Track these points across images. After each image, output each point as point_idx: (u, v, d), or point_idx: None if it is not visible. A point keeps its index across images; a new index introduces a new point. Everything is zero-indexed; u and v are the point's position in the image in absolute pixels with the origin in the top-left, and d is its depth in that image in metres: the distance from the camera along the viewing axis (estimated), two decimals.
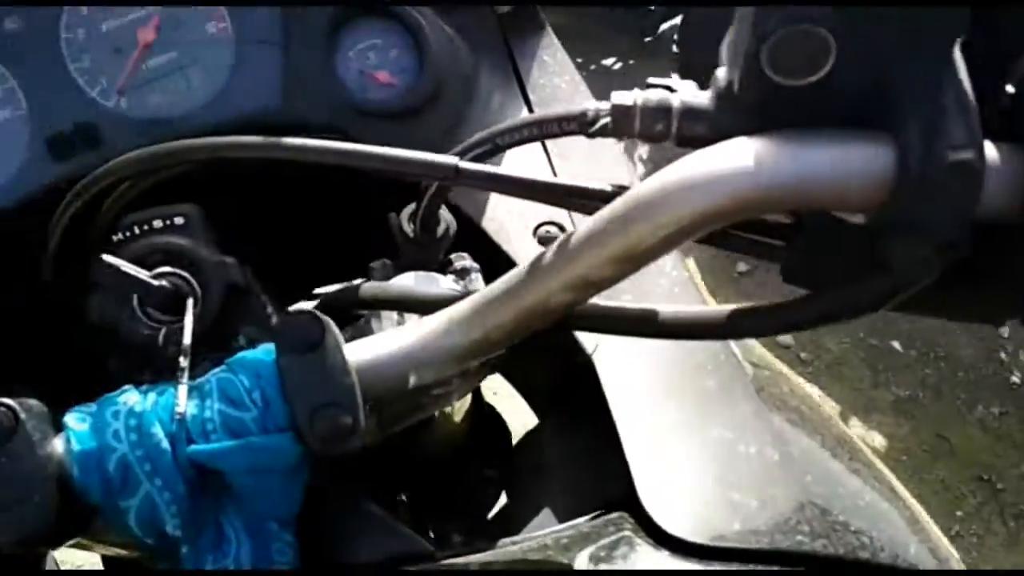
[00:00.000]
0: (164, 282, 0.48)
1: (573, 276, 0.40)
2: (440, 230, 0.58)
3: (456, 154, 0.48)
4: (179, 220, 0.54)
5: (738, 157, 0.36)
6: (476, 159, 0.48)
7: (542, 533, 0.53)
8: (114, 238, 0.53)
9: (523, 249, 0.66)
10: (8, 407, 0.41)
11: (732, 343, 0.62)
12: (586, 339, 0.59)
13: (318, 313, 0.45)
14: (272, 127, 0.66)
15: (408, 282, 0.55)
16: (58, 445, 0.43)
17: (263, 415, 0.44)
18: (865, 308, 0.39)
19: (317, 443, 0.43)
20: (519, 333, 0.45)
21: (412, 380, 0.47)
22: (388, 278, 0.59)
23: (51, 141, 0.62)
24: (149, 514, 0.43)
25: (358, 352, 0.45)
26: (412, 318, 0.54)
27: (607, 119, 0.42)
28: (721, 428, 0.56)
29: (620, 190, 0.45)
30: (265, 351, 0.46)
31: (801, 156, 0.36)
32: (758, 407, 0.58)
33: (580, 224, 0.40)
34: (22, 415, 0.42)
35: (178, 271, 0.48)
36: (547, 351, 0.61)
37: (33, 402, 0.43)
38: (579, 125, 0.45)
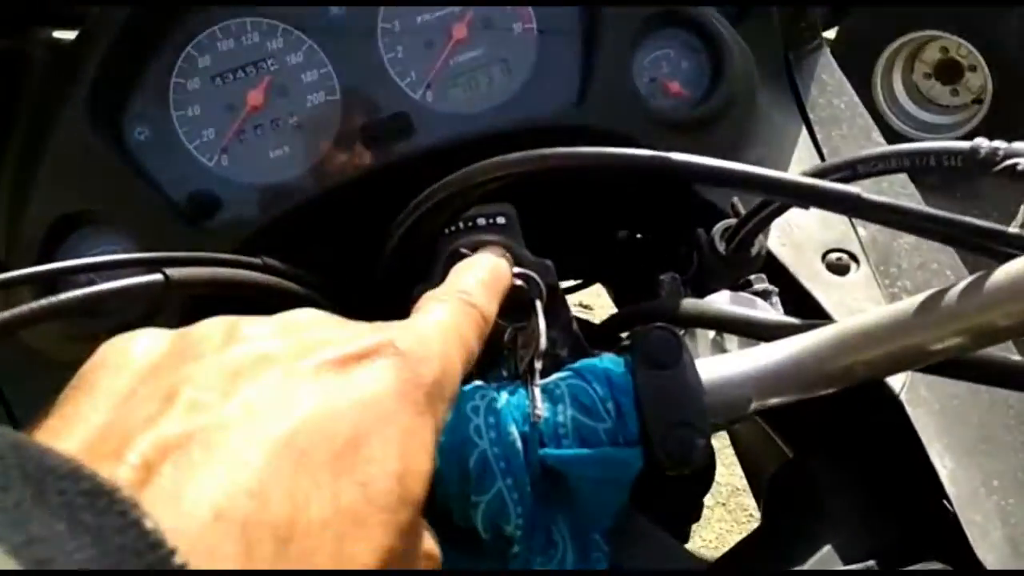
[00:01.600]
0: (519, 281, 0.48)
1: (978, 322, 0.38)
2: (754, 250, 0.57)
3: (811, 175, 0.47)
4: (501, 220, 0.54)
5: None
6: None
7: (846, 571, 0.51)
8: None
9: (812, 275, 0.63)
10: None
11: None
12: (893, 378, 0.56)
13: (674, 329, 0.44)
14: (563, 130, 0.66)
15: (725, 303, 0.54)
16: None
17: (616, 427, 0.44)
18: None
19: (665, 460, 0.43)
20: (886, 371, 0.43)
21: (753, 405, 0.46)
22: (678, 292, 0.59)
23: (365, 128, 0.64)
24: (497, 511, 0.44)
25: (707, 371, 0.45)
26: (732, 340, 0.53)
27: (1018, 160, 0.40)
28: None
29: None
30: (613, 361, 0.46)
31: None
32: None
33: (998, 268, 0.38)
34: None
35: (526, 271, 0.49)
36: None
37: None
38: (965, 161, 0.43)
